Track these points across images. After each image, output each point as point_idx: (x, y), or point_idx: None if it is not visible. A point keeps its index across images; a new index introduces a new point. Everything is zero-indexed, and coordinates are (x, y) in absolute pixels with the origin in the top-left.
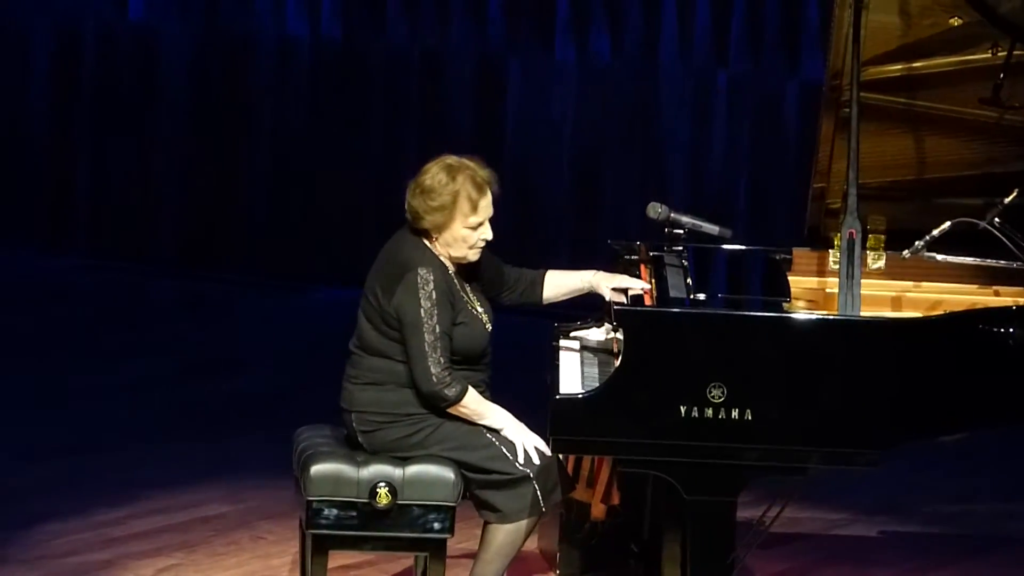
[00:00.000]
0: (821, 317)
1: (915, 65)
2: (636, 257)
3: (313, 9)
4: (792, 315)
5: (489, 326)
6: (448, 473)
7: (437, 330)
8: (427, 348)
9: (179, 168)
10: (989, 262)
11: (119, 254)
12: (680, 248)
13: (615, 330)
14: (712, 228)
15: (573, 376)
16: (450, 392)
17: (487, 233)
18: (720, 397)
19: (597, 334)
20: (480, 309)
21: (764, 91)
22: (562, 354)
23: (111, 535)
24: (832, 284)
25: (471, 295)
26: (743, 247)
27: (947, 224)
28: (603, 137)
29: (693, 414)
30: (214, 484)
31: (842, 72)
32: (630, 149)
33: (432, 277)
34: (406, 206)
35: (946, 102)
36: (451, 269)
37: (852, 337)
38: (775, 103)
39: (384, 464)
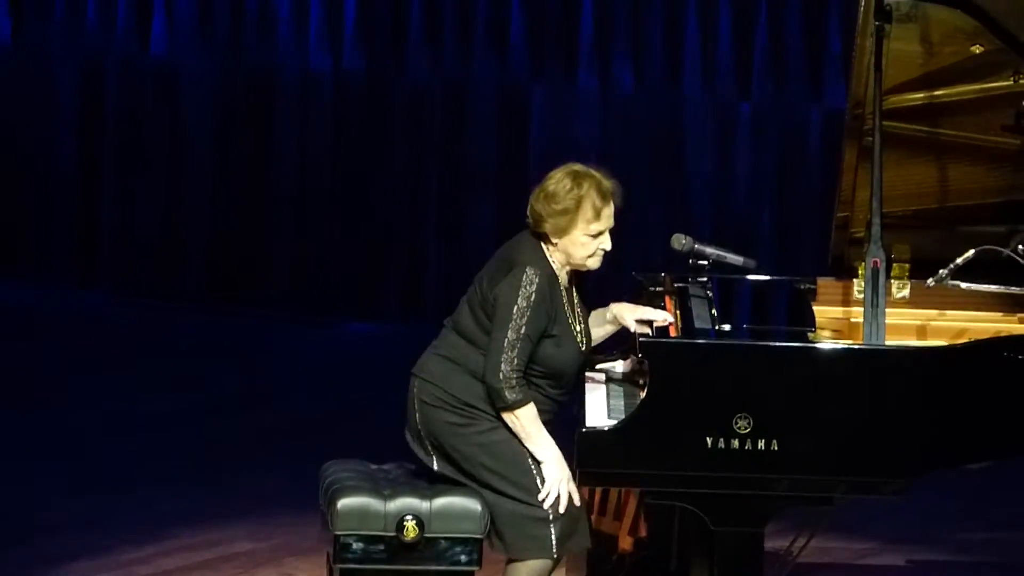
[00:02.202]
0: (846, 347)
1: (937, 93)
2: (661, 288)
3: (335, 42)
4: (817, 345)
5: (584, 348)
6: (475, 505)
7: (523, 331)
8: (506, 344)
9: (204, 203)
10: (1014, 290)
11: (145, 290)
12: (705, 279)
13: (640, 362)
14: (736, 259)
15: (599, 408)
16: (511, 395)
17: (606, 243)
18: (746, 428)
19: (623, 366)
20: (579, 329)
21: (787, 120)
22: (588, 386)
23: (138, 573)
24: (857, 314)
25: (575, 313)
26: (768, 277)
27: (971, 252)
28: (627, 167)
29: (719, 445)
30: (241, 521)
31: (864, 101)
32: (654, 179)
33: (538, 281)
34: (528, 210)
35: (969, 130)
36: (563, 281)
37: (877, 366)
38: (798, 132)
39: (411, 497)
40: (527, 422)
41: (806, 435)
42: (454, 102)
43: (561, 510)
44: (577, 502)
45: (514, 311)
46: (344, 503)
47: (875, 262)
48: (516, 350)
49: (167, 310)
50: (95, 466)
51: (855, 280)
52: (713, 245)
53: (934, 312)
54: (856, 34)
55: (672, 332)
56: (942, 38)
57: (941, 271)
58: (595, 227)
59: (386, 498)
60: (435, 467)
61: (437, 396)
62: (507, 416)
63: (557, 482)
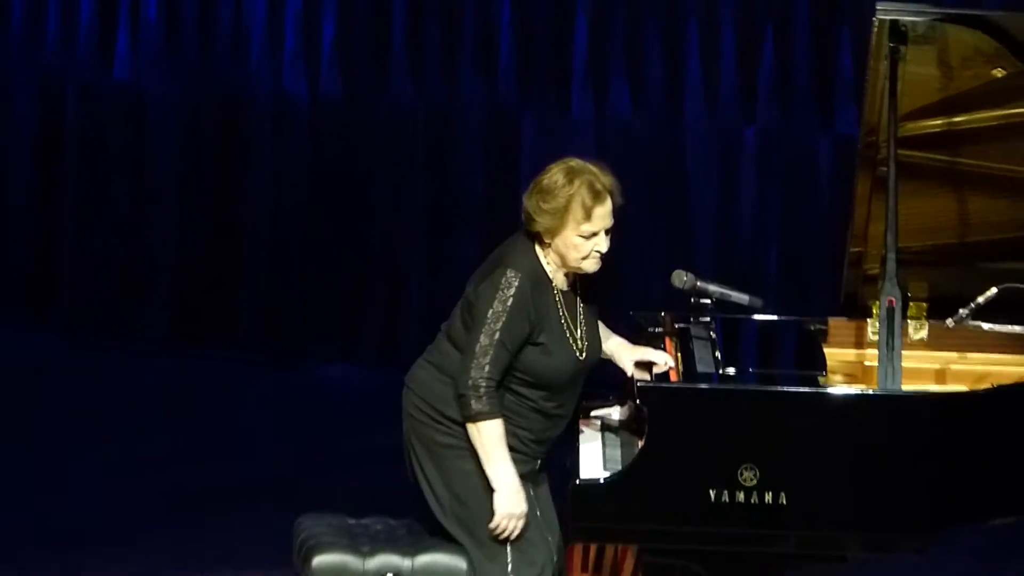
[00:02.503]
0: (860, 392)
1: (956, 120)
2: (660, 329)
3: (312, 65)
4: (829, 390)
5: (583, 357)
6: (460, 563)
7: (496, 336)
8: (478, 350)
9: (169, 236)
10: None
11: (104, 331)
12: (707, 319)
13: (638, 409)
14: (742, 297)
15: (594, 459)
16: (476, 405)
17: (602, 245)
18: (752, 480)
19: (619, 413)
20: (578, 335)
21: (795, 148)
22: (582, 435)
23: None
24: (871, 356)
25: (575, 319)
26: (775, 317)
27: (993, 290)
28: (623, 199)
29: (723, 498)
30: None
31: (878, 128)
32: (653, 211)
33: (518, 283)
34: (522, 208)
35: (990, 159)
36: (559, 284)
37: (893, 413)
38: (807, 161)
39: (392, 554)
40: (488, 439)
41: (817, 487)
42: (439, 128)
43: (510, 557)
44: (528, 536)
45: (489, 315)
46: (320, 560)
47: (890, 301)
48: (488, 356)
49: (129, 353)
50: (52, 520)
51: (869, 320)
52: (716, 282)
53: (954, 355)
54: (869, 56)
55: (672, 376)
56: (962, 61)
57: (961, 310)
58: (587, 228)
59: (365, 555)
60: (411, 478)
61: (421, 409)
62: (470, 428)
63: (506, 517)
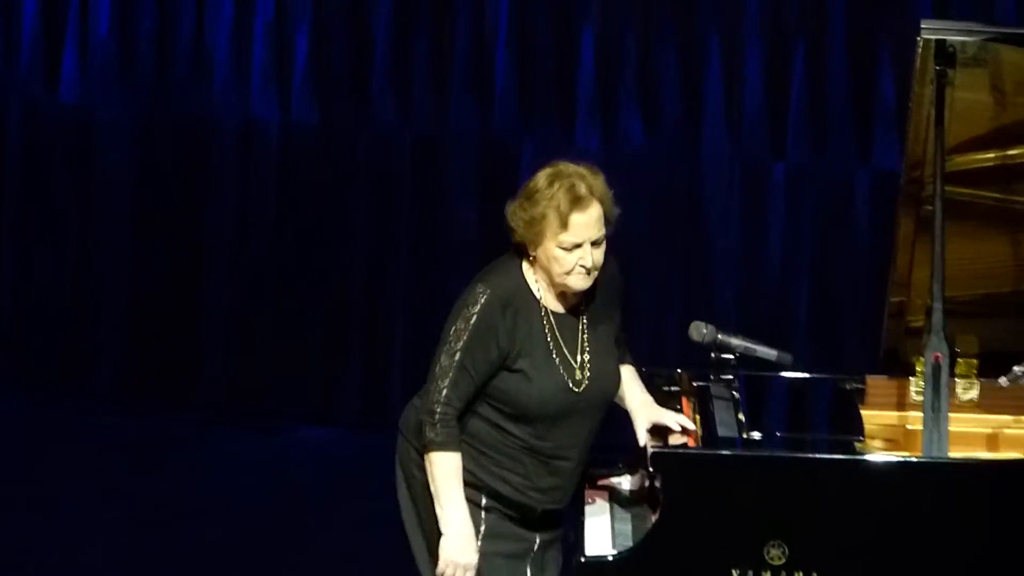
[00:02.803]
0: (902, 460)
1: (1011, 153)
2: (677, 388)
3: (282, 86)
4: (867, 458)
5: (579, 389)
6: None
7: (456, 358)
8: (437, 370)
9: (121, 278)
10: None
11: (47, 385)
12: (730, 377)
13: (652, 477)
14: (769, 352)
15: (602, 534)
16: (429, 433)
17: (586, 258)
18: (780, 558)
19: (630, 483)
20: (576, 364)
21: (829, 184)
22: (588, 507)
23: None
24: (914, 419)
25: (574, 345)
26: (806, 375)
27: None
28: (635, 239)
29: None
30: None
31: (923, 161)
32: (667, 254)
33: (484, 300)
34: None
35: None
36: (550, 304)
37: (940, 484)
38: (842, 199)
39: None
40: (440, 473)
41: (853, 567)
42: (427, 157)
43: None
44: None
45: (451, 333)
46: None
47: (936, 357)
48: (447, 380)
49: (73, 410)
50: None
51: (912, 379)
52: (740, 335)
53: (1008, 418)
54: (913, 81)
55: (691, 442)
56: (1017, 86)
57: (1016, 368)
58: (566, 238)
59: None
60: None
61: (408, 453)
62: (426, 458)
63: (450, 565)
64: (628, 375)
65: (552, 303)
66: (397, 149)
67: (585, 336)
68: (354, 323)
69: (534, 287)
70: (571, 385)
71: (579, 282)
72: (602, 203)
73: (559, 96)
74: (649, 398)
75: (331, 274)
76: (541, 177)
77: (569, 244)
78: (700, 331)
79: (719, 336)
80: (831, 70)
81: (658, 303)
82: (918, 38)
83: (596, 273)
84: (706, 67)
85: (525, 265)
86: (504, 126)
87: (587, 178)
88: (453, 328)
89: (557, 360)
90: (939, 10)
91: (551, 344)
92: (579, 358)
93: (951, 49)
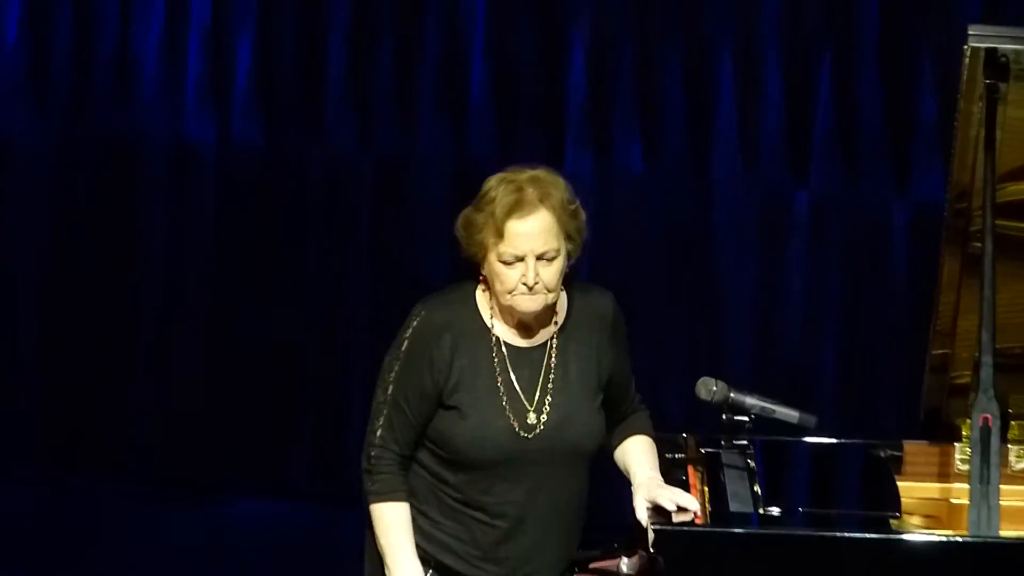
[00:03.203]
0: (945, 539)
1: None
2: (681, 455)
3: (221, 102)
4: (904, 536)
5: (529, 436)
6: None
7: (390, 392)
8: (373, 408)
9: (32, 324)
10: None
11: None
12: (744, 442)
13: (652, 560)
14: (789, 413)
15: None
16: (366, 481)
17: (528, 274)
18: None
19: (628, 566)
20: (532, 405)
21: (859, 216)
22: None
23: None
24: (959, 492)
25: (533, 383)
26: (833, 440)
27: None
28: (632, 280)
29: None
30: None
31: (970, 191)
32: (671, 298)
33: (417, 322)
34: None
35: None
36: (503, 334)
37: (989, 567)
38: (875, 233)
39: None
40: (384, 529)
41: None
42: (390, 186)
43: None
44: None
45: (385, 363)
46: None
47: (985, 419)
48: (382, 419)
49: None
50: None
51: (957, 445)
52: (756, 393)
53: None
54: (959, 96)
55: (698, 518)
56: None
57: None
58: (504, 249)
59: None
60: None
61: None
62: (370, 513)
63: None
64: (641, 445)
65: (507, 333)
66: (356, 175)
67: (551, 376)
68: (304, 377)
69: (484, 313)
70: (518, 429)
71: (524, 303)
72: (554, 213)
73: (544, 113)
74: (657, 475)
75: (278, 321)
76: (490, 180)
77: (509, 256)
78: (709, 388)
79: (731, 394)
80: (862, 82)
81: (659, 355)
82: (965, 46)
83: (551, 296)
84: (716, 81)
85: (480, 289)
86: (480, 149)
87: (541, 183)
88: (387, 358)
89: (504, 398)
90: (990, 12)
91: (499, 379)
92: (536, 398)
93: (1003, 59)
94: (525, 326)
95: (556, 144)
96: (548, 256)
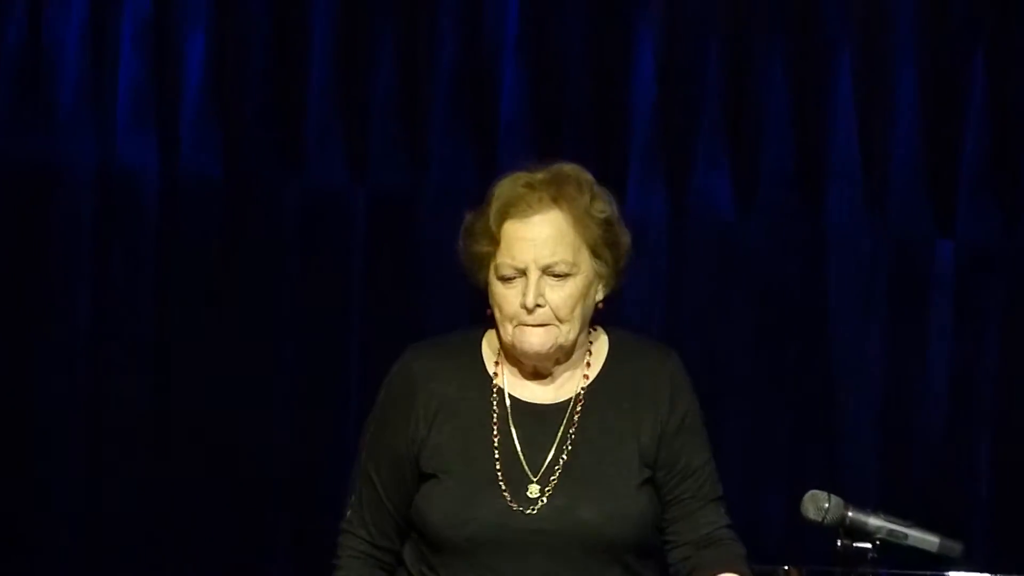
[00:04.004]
0: None
1: None
2: None
3: (166, 121)
4: None
5: (523, 509)
6: None
7: (363, 455)
8: (354, 469)
9: None
10: None
11: None
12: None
13: None
14: (927, 539)
15: None
16: (337, 555)
17: (527, 293)
18: None
19: None
20: (530, 475)
21: (1022, 273)
22: None
23: None
24: None
25: (535, 445)
26: None
27: None
28: (716, 354)
29: None
30: None
31: None
32: (769, 378)
33: (398, 370)
34: None
35: None
36: (509, 386)
37: None
38: None
39: None
40: None
41: None
42: (391, 227)
43: None
44: None
45: (366, 423)
46: None
47: None
48: (354, 494)
49: None
50: None
51: None
52: (882, 512)
53: None
54: None
55: None
56: None
57: None
58: (502, 260)
59: None
60: None
61: None
62: None
63: None
64: (721, 555)
65: (515, 385)
66: (345, 215)
67: (569, 440)
68: (277, 473)
69: (488, 359)
70: (512, 503)
71: (526, 337)
72: (572, 217)
73: (599, 136)
74: None
75: (243, 397)
76: (501, 177)
77: (507, 269)
78: (820, 505)
79: (849, 513)
80: None
81: (753, 458)
82: None
83: (565, 330)
84: (832, 93)
85: (488, 334)
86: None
87: (559, 181)
88: (368, 418)
89: (499, 463)
90: None
91: (495, 439)
92: (544, 467)
93: None
94: (539, 376)
95: (616, 178)
96: (558, 270)
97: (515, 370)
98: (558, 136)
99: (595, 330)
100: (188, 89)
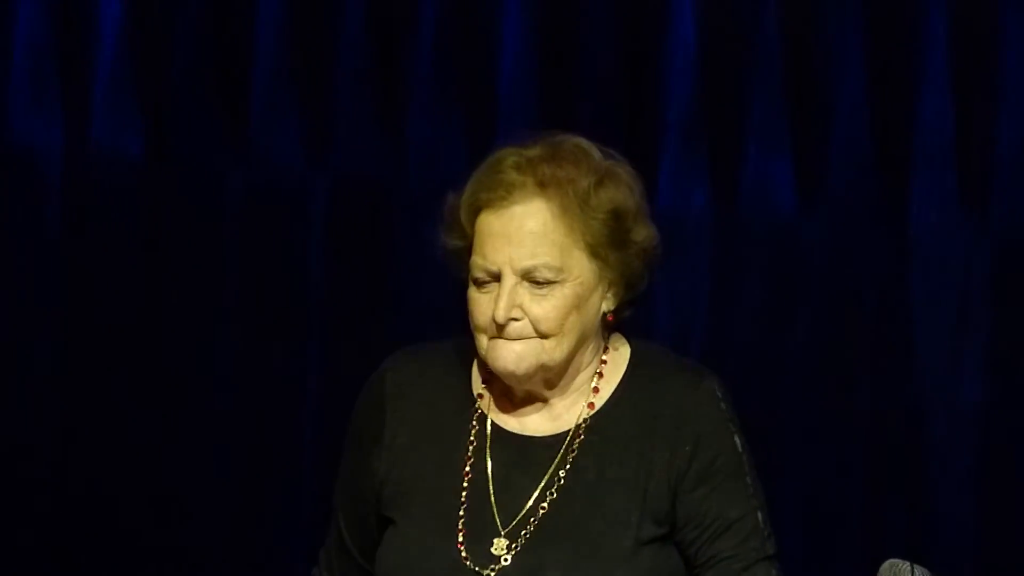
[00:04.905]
0: None
1: None
2: None
3: (72, 91)
4: None
5: (479, 568)
6: None
7: (336, 483)
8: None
9: None
10: None
11: None
12: None
13: None
14: None
15: None
16: None
17: (499, 307)
18: None
19: None
20: (497, 523)
21: None
22: None
23: None
24: None
25: (514, 487)
26: None
27: None
28: (771, 383)
29: None
30: None
31: None
32: (839, 415)
33: (365, 390)
34: None
35: None
36: (495, 415)
37: None
38: None
39: None
40: None
41: None
42: (359, 220)
43: None
44: None
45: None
46: None
47: None
48: (332, 512)
49: None
50: None
51: None
52: None
53: None
54: None
55: None
56: None
57: None
58: (474, 260)
59: None
60: None
61: None
62: None
63: None
64: None
65: (501, 410)
66: (301, 205)
67: (558, 483)
68: (218, 504)
69: (476, 376)
70: (468, 559)
71: (499, 355)
72: (566, 208)
73: (622, 111)
74: None
75: (182, 416)
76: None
77: (479, 271)
78: None
79: None
80: None
81: (816, 515)
82: None
83: (549, 348)
84: (920, 58)
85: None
86: None
87: (555, 159)
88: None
89: (464, 508)
90: None
91: (466, 477)
92: (520, 516)
93: None
94: (533, 401)
95: (644, 165)
96: (539, 276)
97: (506, 392)
98: (571, 111)
99: (612, 347)
100: (102, 50)
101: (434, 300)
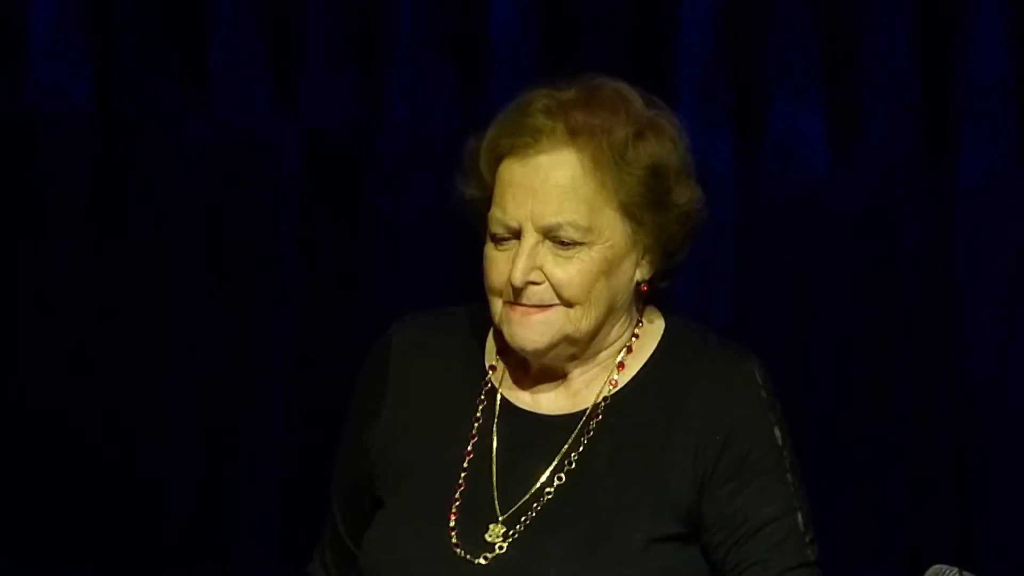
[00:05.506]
0: None
1: None
2: None
3: (11, 34)
4: None
5: (471, 558)
6: None
7: (335, 468)
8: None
9: None
10: None
11: None
12: None
13: None
14: None
15: None
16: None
17: (516, 268)
18: None
19: None
20: (496, 509)
21: None
22: None
23: None
24: None
25: (521, 470)
26: None
27: None
28: (806, 352)
29: None
30: None
31: None
32: (860, 396)
33: (377, 344)
34: None
35: None
36: (508, 391)
37: None
38: None
39: None
40: None
41: None
42: (335, 176)
43: None
44: None
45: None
46: None
47: None
48: (333, 490)
49: None
50: None
51: None
52: None
53: None
54: None
55: None
56: None
57: None
58: (493, 213)
59: None
60: None
61: None
62: None
63: None
64: None
65: (515, 384)
66: (269, 161)
67: (568, 465)
68: (175, 495)
69: (491, 346)
70: (459, 546)
71: (515, 328)
72: (593, 159)
73: (632, 55)
74: None
75: (137, 383)
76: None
77: (498, 226)
78: None
79: None
80: None
81: (854, 516)
82: None
83: (574, 318)
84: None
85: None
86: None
87: (590, 101)
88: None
89: (462, 489)
90: None
91: (468, 457)
92: (522, 502)
93: None
94: (551, 376)
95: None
96: (564, 236)
97: (522, 363)
98: (573, 55)
99: (645, 321)
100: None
101: (415, 265)
